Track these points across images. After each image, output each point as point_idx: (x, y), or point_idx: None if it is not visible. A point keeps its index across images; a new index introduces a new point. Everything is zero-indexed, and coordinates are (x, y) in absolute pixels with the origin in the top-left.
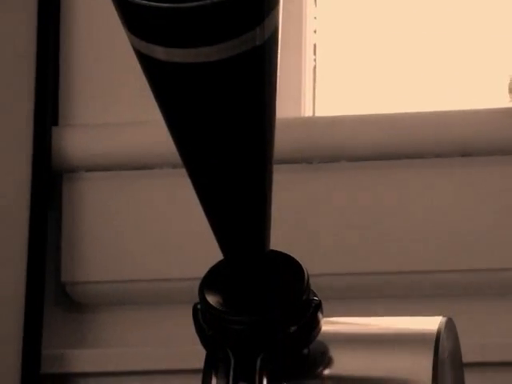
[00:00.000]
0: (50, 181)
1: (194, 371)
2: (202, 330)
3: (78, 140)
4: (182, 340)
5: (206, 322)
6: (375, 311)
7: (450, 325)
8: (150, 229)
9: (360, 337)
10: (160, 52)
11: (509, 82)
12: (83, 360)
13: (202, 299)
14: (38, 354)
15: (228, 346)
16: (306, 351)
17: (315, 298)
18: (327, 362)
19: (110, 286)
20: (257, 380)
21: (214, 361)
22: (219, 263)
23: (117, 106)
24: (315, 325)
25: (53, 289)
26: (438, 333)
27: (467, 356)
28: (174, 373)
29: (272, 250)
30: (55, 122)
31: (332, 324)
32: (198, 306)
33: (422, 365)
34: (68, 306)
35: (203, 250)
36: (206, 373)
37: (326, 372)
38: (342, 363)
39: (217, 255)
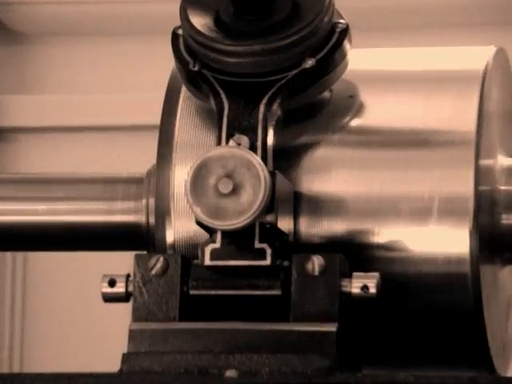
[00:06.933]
0: None
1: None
2: (184, 64)
3: None
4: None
5: (189, 53)
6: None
7: (500, 58)
8: None
9: (397, 76)
10: None
11: None
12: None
13: (185, 21)
14: None
15: (221, 86)
16: (327, 95)
17: (341, 21)
18: (355, 109)
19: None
20: (259, 132)
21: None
22: None
23: None
24: (340, 58)
25: None
26: (485, 70)
27: None
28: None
29: None
30: None
31: (363, 58)
32: (179, 31)
33: (464, 113)
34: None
35: None
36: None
37: (353, 123)
38: (373, 111)
39: None
